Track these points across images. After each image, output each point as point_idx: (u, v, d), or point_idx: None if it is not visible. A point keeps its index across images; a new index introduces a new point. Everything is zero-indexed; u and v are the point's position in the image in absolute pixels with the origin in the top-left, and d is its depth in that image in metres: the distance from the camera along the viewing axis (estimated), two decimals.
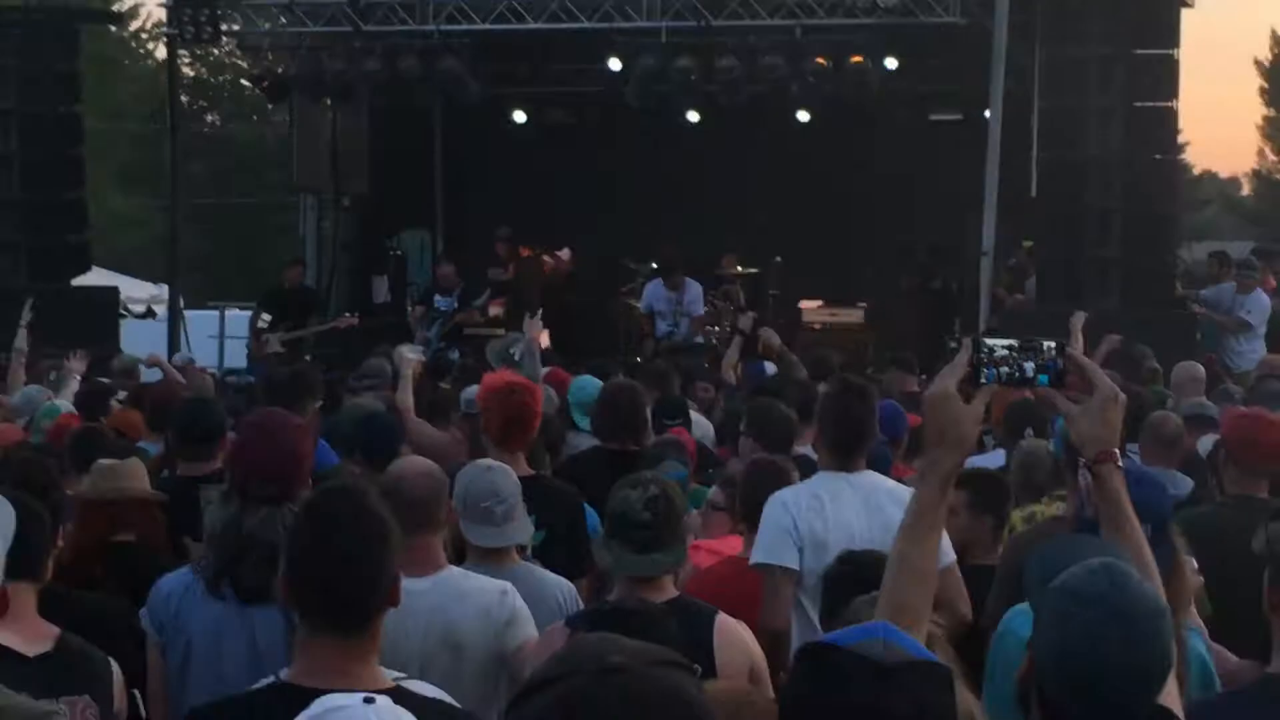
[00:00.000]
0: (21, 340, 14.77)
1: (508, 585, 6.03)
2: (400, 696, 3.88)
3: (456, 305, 23.78)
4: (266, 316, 22.53)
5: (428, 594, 5.95)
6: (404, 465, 6.50)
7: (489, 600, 6.02)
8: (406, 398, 11.87)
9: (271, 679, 4.41)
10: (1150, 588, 3.75)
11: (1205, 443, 10.22)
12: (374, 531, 4.40)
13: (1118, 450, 4.26)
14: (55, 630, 5.35)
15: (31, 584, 5.36)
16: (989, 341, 4.22)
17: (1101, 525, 4.33)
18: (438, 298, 24.03)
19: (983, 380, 4.18)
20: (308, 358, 20.47)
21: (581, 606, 6.73)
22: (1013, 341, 4.22)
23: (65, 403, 11.96)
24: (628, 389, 10.00)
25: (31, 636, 5.30)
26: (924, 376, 14.89)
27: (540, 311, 14.66)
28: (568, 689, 2.58)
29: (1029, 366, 4.20)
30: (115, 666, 5.44)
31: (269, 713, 4.23)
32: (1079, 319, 15.41)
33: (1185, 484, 8.91)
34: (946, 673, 3.07)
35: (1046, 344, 4.22)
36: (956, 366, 4.17)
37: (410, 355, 13.58)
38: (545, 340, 22.84)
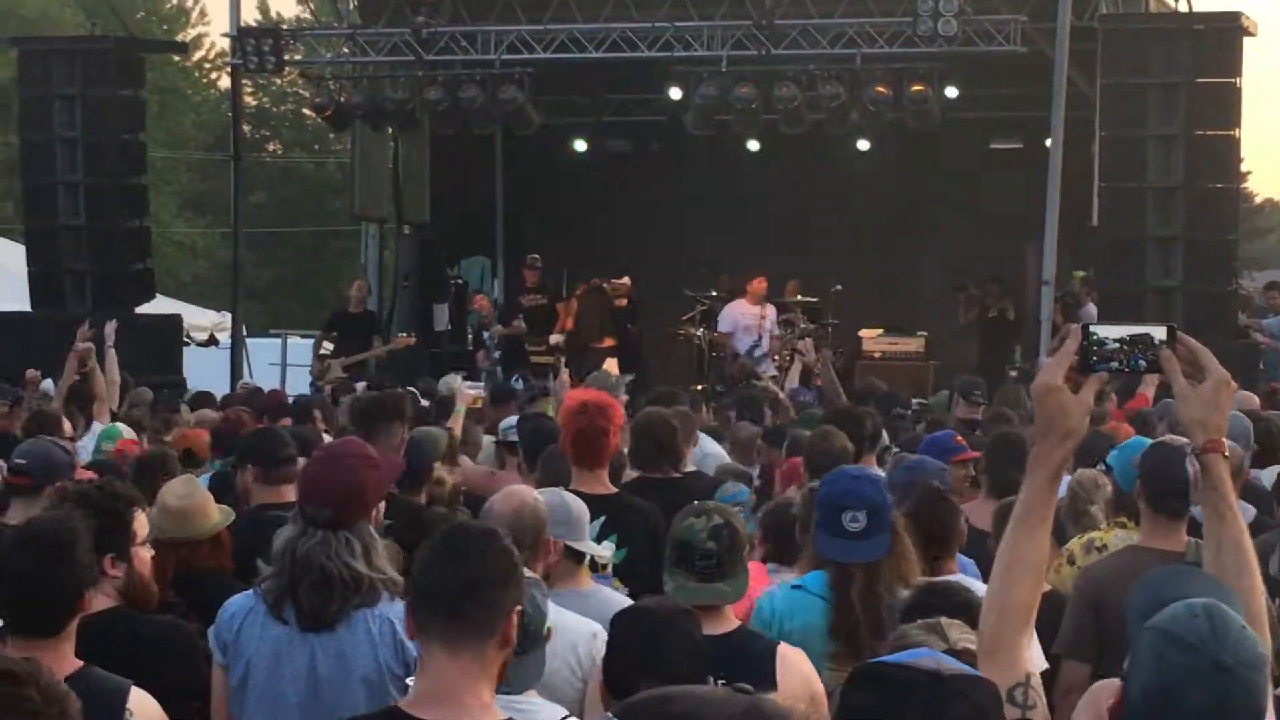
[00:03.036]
0: (112, 365, 14.89)
1: (598, 629, 6.02)
2: None
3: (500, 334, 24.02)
4: (328, 345, 22.66)
5: None
6: (495, 500, 6.54)
7: (578, 638, 6.05)
8: (458, 428, 11.93)
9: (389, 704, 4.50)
10: (1252, 636, 3.65)
11: (1269, 474, 10.17)
12: (497, 561, 4.46)
13: (1224, 438, 4.21)
14: (75, 665, 5.31)
15: (38, 639, 5.31)
16: (1098, 331, 4.15)
17: (1203, 514, 4.29)
18: (485, 334, 24.28)
19: (1094, 369, 4.13)
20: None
21: None
22: (1124, 334, 4.15)
23: (124, 427, 12.07)
24: (659, 418, 10.02)
25: None
26: (986, 404, 14.85)
27: (565, 361, 14.92)
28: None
29: (1140, 362, 4.16)
30: (139, 697, 5.37)
31: None
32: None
33: (1247, 512, 8.87)
34: (996, 690, 3.09)
35: (1157, 335, 4.15)
36: (1064, 355, 4.11)
37: (470, 392, 13.67)
38: (614, 369, 22.96)
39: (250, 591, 6.08)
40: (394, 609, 5.90)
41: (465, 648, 4.30)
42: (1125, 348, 4.13)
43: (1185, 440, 8.40)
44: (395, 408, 9.81)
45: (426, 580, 4.40)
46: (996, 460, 9.34)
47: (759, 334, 22.93)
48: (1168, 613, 3.64)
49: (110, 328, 15.44)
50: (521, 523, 6.30)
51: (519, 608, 4.45)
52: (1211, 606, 3.64)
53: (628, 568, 7.68)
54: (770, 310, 23.19)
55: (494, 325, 24.33)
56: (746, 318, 23.10)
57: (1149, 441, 8.78)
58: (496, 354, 23.72)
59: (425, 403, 14.46)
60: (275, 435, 9.07)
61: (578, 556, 6.72)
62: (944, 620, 4.92)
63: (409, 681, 5.72)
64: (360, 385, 16.00)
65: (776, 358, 22.89)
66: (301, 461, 8.28)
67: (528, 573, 5.30)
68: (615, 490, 8.43)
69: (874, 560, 6.55)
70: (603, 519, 7.76)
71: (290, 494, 8.14)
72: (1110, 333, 4.16)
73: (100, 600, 5.90)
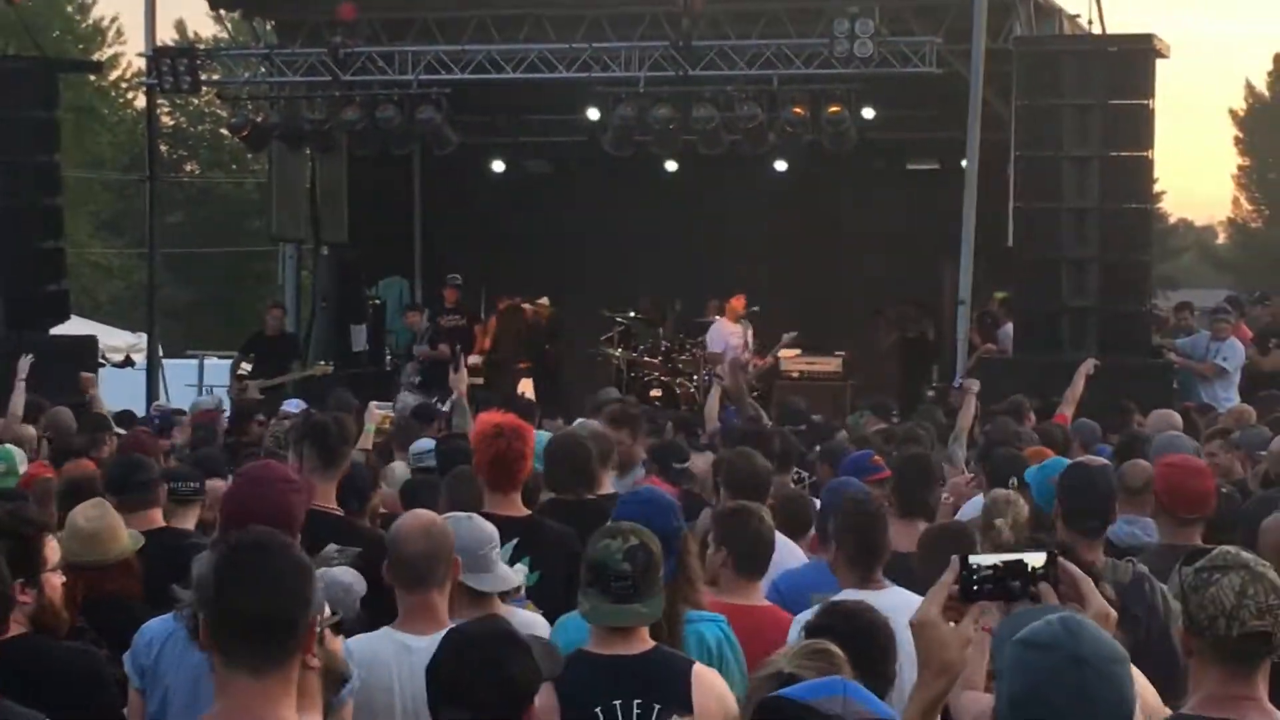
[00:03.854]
0: (18, 397, 14.89)
1: None
2: None
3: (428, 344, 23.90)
4: (247, 366, 22.55)
5: (426, 651, 5.98)
6: (402, 521, 6.51)
7: None
8: (368, 445, 11.91)
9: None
10: (1108, 635, 3.70)
11: None
12: (298, 577, 4.39)
13: None
14: None
15: None
16: (975, 561, 4.09)
17: None
18: (415, 347, 24.17)
19: (973, 598, 4.06)
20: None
21: None
22: (1000, 561, 4.08)
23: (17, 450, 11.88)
24: (575, 440, 10.02)
25: None
26: (897, 420, 14.93)
27: (464, 363, 14.92)
28: None
29: (1015, 585, 4.07)
30: None
31: None
32: (1088, 366, 15.50)
33: (1154, 530, 8.93)
34: None
35: (1033, 563, 4.09)
36: (941, 587, 4.07)
37: (378, 411, 13.64)
38: (530, 389, 22.93)
39: (169, 616, 6.04)
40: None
41: (272, 669, 4.23)
42: (999, 573, 4.06)
43: (1104, 460, 8.47)
44: (351, 432, 9.80)
45: (225, 601, 4.27)
46: (905, 481, 9.36)
47: (741, 349, 22.97)
48: (1026, 627, 3.69)
49: (24, 362, 15.41)
50: (434, 544, 6.28)
51: (319, 616, 4.39)
52: (1066, 615, 3.71)
53: (542, 590, 7.66)
54: (748, 327, 23.24)
55: (419, 347, 24.17)
56: (734, 335, 23.16)
57: (1067, 461, 8.85)
58: (416, 379, 23.63)
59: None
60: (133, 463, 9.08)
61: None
62: (800, 645, 4.88)
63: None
64: (291, 405, 15.86)
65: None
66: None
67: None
68: (529, 513, 8.41)
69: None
70: (515, 541, 7.75)
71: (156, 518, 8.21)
72: (987, 560, 4.10)
73: (10, 627, 5.85)
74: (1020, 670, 3.61)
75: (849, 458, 11.07)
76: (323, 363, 23.52)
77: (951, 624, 4.05)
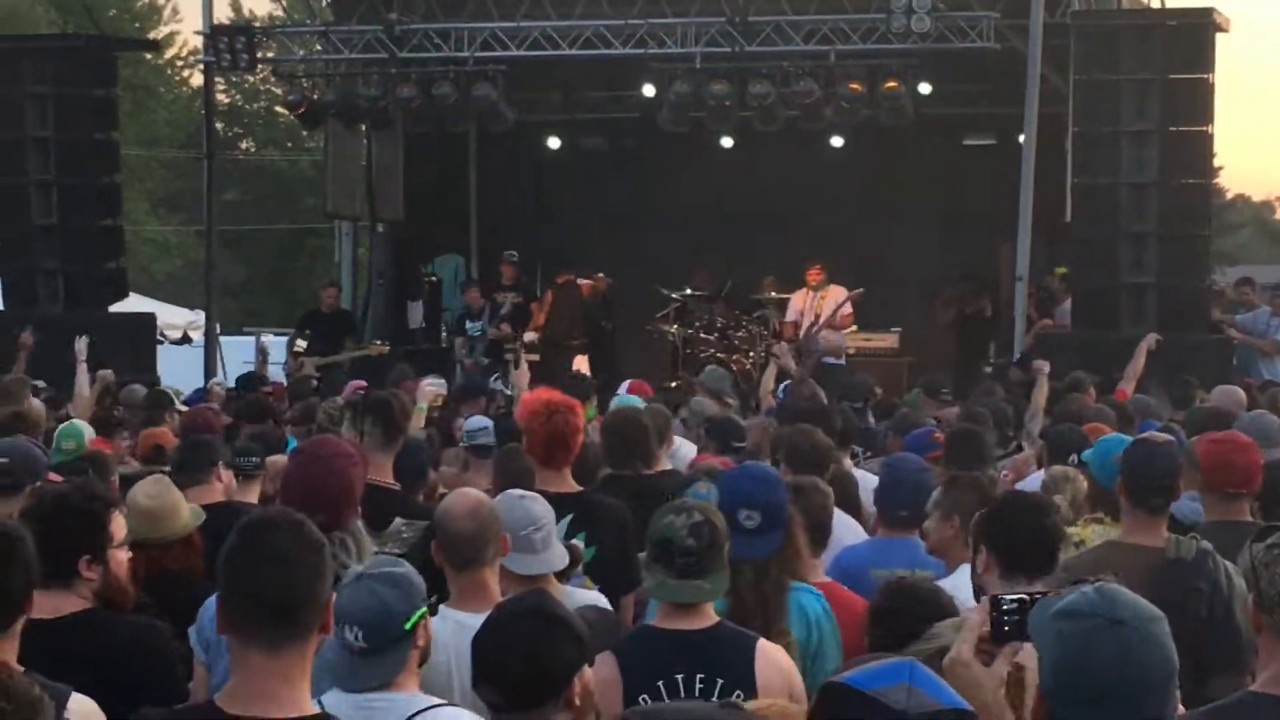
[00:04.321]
0: (82, 378, 15.00)
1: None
2: None
3: (484, 329, 23.84)
4: (302, 343, 22.62)
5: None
6: (449, 501, 6.52)
7: None
8: (420, 423, 11.92)
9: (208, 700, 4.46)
10: (1143, 600, 3.71)
11: None
12: (311, 556, 4.40)
13: None
14: (16, 671, 5.24)
15: None
16: (1004, 599, 4.07)
17: None
18: (469, 323, 24.12)
19: (1005, 638, 4.04)
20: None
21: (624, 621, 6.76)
22: (1023, 595, 4.06)
23: (86, 425, 11.98)
24: (631, 416, 10.02)
25: None
26: (952, 400, 14.86)
27: (520, 345, 14.97)
28: None
29: None
30: (79, 702, 5.20)
31: None
32: (1150, 341, 15.42)
33: None
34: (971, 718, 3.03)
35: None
36: (972, 629, 4.07)
37: (430, 387, 13.64)
38: (585, 366, 22.94)
39: None
40: None
41: (287, 649, 4.28)
42: (1025, 608, 4.02)
43: (1168, 436, 8.41)
44: (407, 409, 9.82)
45: (242, 581, 4.34)
46: (953, 456, 9.36)
47: (815, 315, 22.89)
48: (1061, 600, 3.71)
49: (81, 344, 15.49)
50: (482, 522, 6.28)
51: (333, 595, 4.44)
52: (1100, 584, 3.70)
53: (596, 566, 7.67)
54: (830, 292, 23.08)
55: (482, 326, 24.02)
56: (805, 306, 23.17)
57: (1128, 438, 8.79)
58: (466, 356, 23.62)
59: None
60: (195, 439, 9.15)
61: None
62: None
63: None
64: (351, 385, 15.87)
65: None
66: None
67: (397, 568, 5.28)
68: (580, 489, 8.41)
69: (765, 556, 6.63)
70: (570, 517, 7.77)
71: (218, 493, 8.24)
72: (1013, 596, 4.08)
73: (75, 602, 5.87)
74: (1059, 640, 3.62)
75: (910, 435, 11.08)
76: (378, 342, 23.54)
77: (984, 665, 4.03)
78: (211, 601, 6.07)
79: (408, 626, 5.10)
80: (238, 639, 4.35)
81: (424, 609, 5.18)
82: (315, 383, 18.90)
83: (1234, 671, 6.32)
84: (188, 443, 9.49)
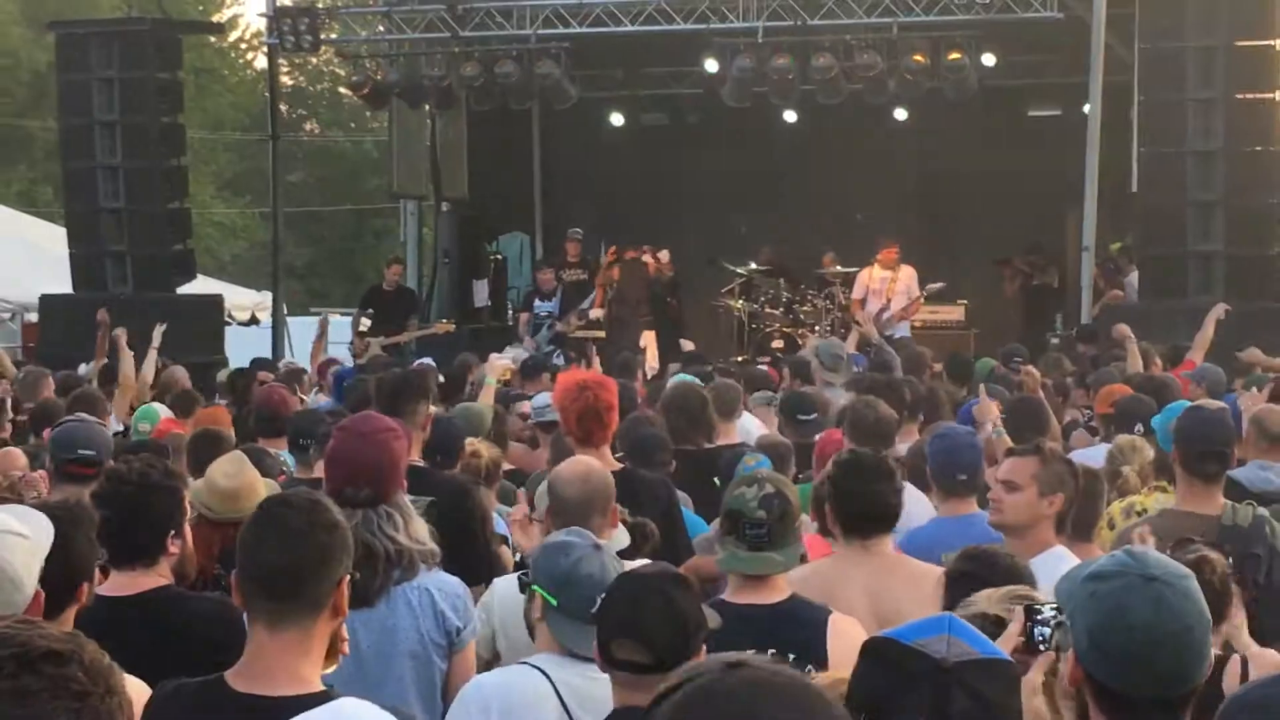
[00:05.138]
0: (150, 364, 15.17)
1: None
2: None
3: (557, 310, 23.85)
4: (366, 321, 22.73)
5: None
6: (562, 466, 6.62)
7: None
8: (489, 400, 11.96)
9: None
10: (1173, 559, 3.73)
11: None
12: (320, 536, 4.42)
13: None
14: None
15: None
16: (1039, 607, 4.05)
17: None
18: (538, 302, 24.15)
19: (1039, 646, 4.00)
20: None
21: None
22: (1059, 606, 3.97)
23: (163, 407, 12.12)
24: (691, 390, 10.04)
25: None
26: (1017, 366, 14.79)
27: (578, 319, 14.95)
28: (694, 687, 2.59)
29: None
30: (130, 684, 5.31)
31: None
32: (1219, 310, 15.35)
33: None
34: (1013, 671, 3.04)
35: None
36: (1008, 639, 4.03)
37: (499, 361, 13.67)
38: (652, 342, 22.96)
39: None
40: (430, 579, 5.98)
41: (288, 626, 4.32)
42: (1063, 623, 3.92)
43: (1222, 404, 8.38)
44: (421, 387, 9.84)
45: (247, 558, 4.40)
46: (1015, 424, 9.38)
47: (887, 298, 22.86)
48: (1090, 565, 3.73)
49: (158, 331, 15.68)
50: (592, 489, 6.34)
51: (348, 576, 4.44)
52: (1128, 546, 3.70)
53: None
54: (902, 273, 23.13)
55: (563, 322, 23.94)
56: (875, 282, 23.16)
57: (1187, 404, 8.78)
58: (549, 346, 23.62)
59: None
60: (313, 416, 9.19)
61: None
62: (1000, 591, 4.87)
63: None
64: (417, 365, 15.91)
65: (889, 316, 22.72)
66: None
67: (596, 540, 5.32)
68: (620, 465, 8.42)
69: None
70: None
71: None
72: (1051, 607, 4.04)
73: (154, 579, 5.94)
74: (1094, 600, 3.63)
75: (963, 408, 11.08)
76: (444, 320, 23.62)
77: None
78: None
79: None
80: (249, 615, 4.42)
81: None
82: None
83: None
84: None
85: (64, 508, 5.48)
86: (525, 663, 5.31)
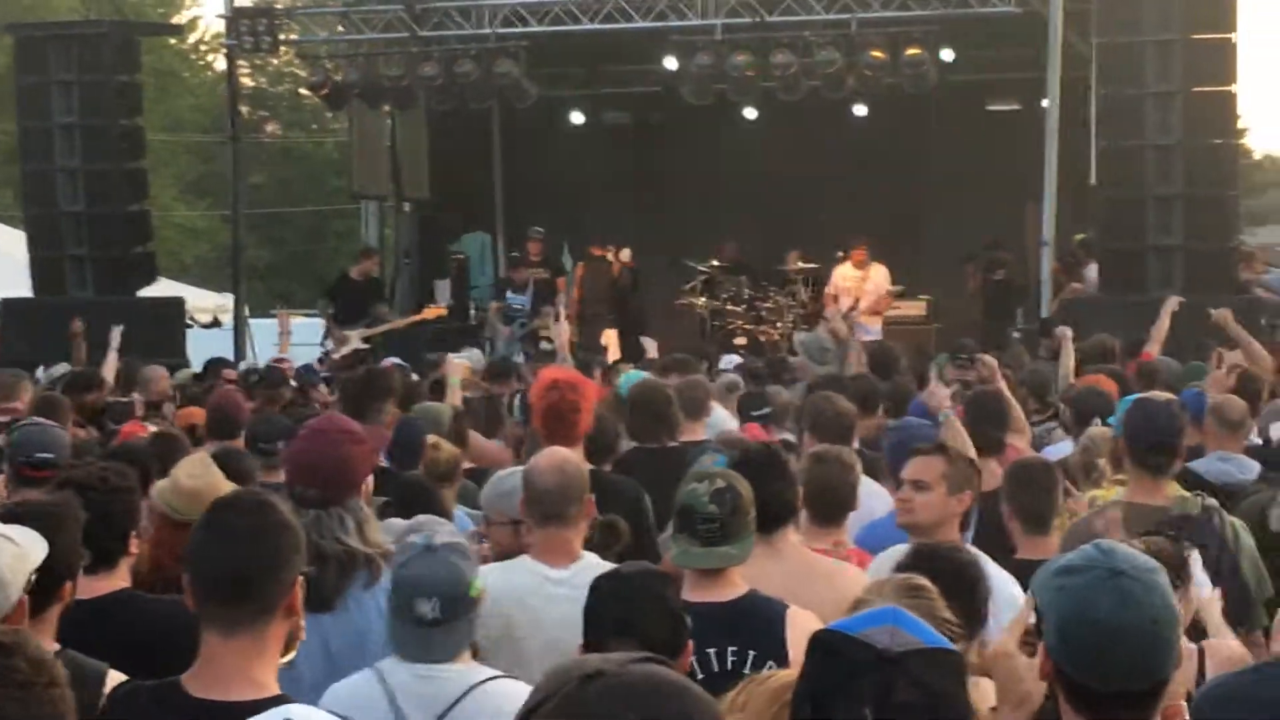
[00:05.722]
0: (110, 365, 15.16)
1: None
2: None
3: (530, 304, 23.77)
4: (330, 311, 22.64)
5: (568, 581, 6.13)
6: (537, 457, 6.61)
7: None
8: (456, 401, 11.95)
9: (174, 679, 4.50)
10: (1141, 553, 3.76)
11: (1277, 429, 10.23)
12: (269, 538, 4.41)
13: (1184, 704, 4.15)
14: (53, 648, 5.28)
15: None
16: None
17: None
18: (510, 294, 24.12)
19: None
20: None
21: None
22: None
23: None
24: (656, 388, 10.03)
25: None
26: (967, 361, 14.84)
27: (562, 314, 14.91)
28: (554, 705, 2.61)
29: None
30: (117, 679, 5.31)
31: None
32: (1173, 303, 15.40)
33: (1252, 467, 8.89)
34: (957, 660, 3.05)
35: None
36: (1018, 622, 4.11)
37: (458, 361, 13.64)
38: (613, 341, 22.93)
39: None
40: None
41: (240, 630, 4.31)
42: None
43: (1170, 395, 8.40)
44: (385, 386, 9.82)
45: (196, 563, 4.39)
46: (973, 417, 9.37)
47: (856, 296, 23.02)
48: (1060, 560, 3.77)
49: (115, 333, 15.65)
50: (568, 479, 6.34)
51: (301, 576, 4.43)
52: (1098, 540, 3.74)
53: None
54: (874, 271, 23.46)
55: (537, 318, 23.86)
56: (846, 280, 23.52)
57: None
58: (521, 331, 23.52)
59: (414, 376, 14.43)
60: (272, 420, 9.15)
61: None
62: (894, 579, 4.93)
63: None
64: (387, 364, 15.90)
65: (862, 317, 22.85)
66: None
67: (454, 538, 5.32)
68: (591, 467, 8.41)
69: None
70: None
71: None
72: None
73: (115, 582, 5.94)
74: (1061, 595, 3.66)
75: (915, 400, 11.09)
76: (435, 304, 23.64)
77: (1028, 656, 4.06)
78: None
79: (472, 594, 5.16)
80: (202, 619, 4.40)
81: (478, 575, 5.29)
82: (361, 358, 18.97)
83: (1243, 626, 6.34)
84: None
85: (51, 506, 5.49)
86: (372, 667, 5.34)
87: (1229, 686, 3.99)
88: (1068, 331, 14.68)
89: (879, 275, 23.27)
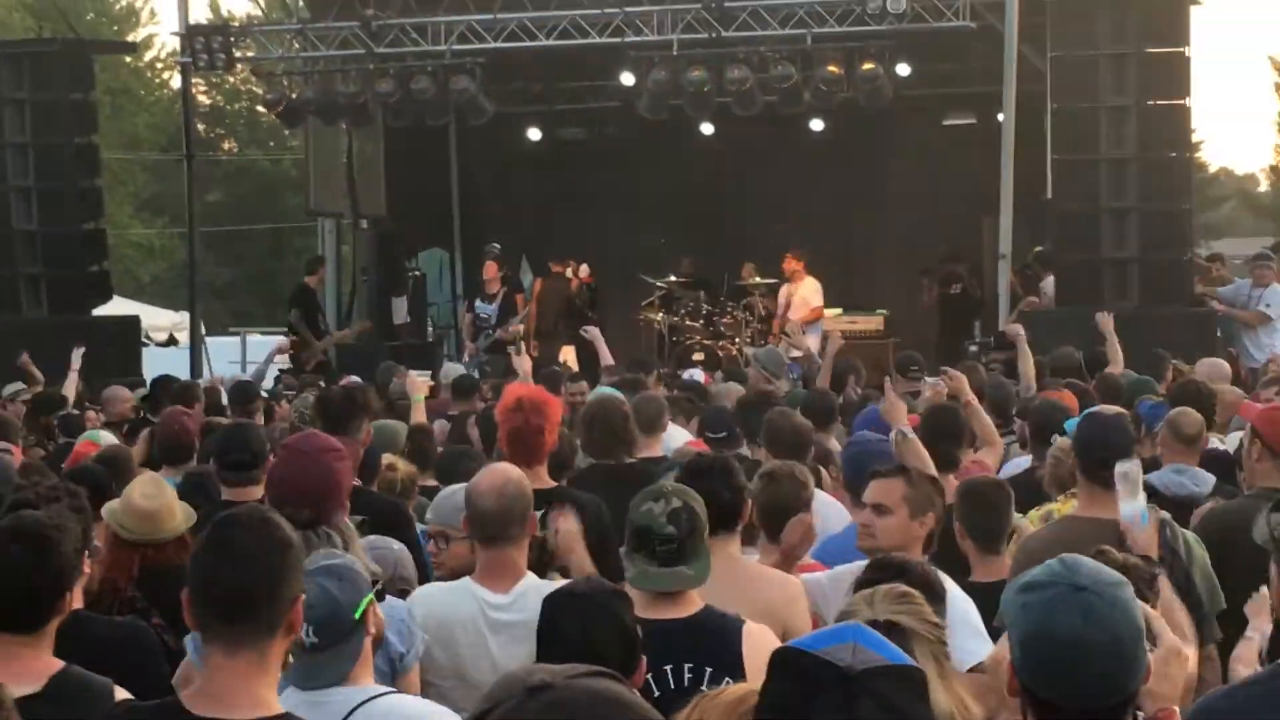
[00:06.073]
0: (71, 385, 15.16)
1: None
2: None
3: (496, 315, 23.75)
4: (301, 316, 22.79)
5: (508, 606, 6.12)
6: (478, 476, 6.54)
7: None
8: (420, 417, 11.89)
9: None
10: (1105, 567, 3.75)
11: (1232, 440, 10.23)
12: (272, 557, 4.35)
13: (1176, 709, 4.16)
14: (57, 665, 5.29)
15: (20, 635, 5.31)
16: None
17: None
18: (479, 303, 24.10)
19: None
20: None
21: None
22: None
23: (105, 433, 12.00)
24: (612, 405, 9.99)
25: (20, 678, 5.09)
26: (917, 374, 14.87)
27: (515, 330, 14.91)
28: (498, 717, 2.59)
29: None
30: (122, 695, 5.33)
31: None
32: (1106, 319, 15.42)
33: (1207, 480, 8.89)
34: (920, 676, 3.03)
35: None
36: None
37: (419, 379, 13.61)
38: (572, 357, 22.91)
39: None
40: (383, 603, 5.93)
41: (243, 648, 4.26)
42: None
43: (1119, 409, 8.40)
44: (363, 403, 9.78)
45: (201, 579, 4.33)
46: (928, 432, 9.32)
47: (786, 306, 23.74)
48: (1025, 576, 3.76)
49: (77, 353, 15.67)
50: (509, 499, 6.30)
51: (302, 595, 4.40)
52: (1063, 555, 3.74)
53: None
54: (804, 284, 23.83)
55: (502, 329, 23.89)
56: (785, 293, 24.00)
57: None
58: (485, 348, 23.53)
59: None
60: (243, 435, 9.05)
61: None
62: (880, 589, 4.92)
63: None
64: (345, 380, 15.88)
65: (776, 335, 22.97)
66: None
67: (337, 559, 5.27)
68: (554, 484, 8.37)
69: None
70: (542, 512, 7.75)
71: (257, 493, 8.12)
72: None
73: (74, 601, 5.91)
74: (1025, 611, 3.65)
75: (863, 414, 11.00)
76: (363, 320, 23.75)
77: None
78: None
79: (357, 616, 5.09)
80: (205, 638, 4.36)
81: (370, 595, 5.17)
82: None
83: (1197, 642, 6.32)
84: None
85: (51, 518, 5.45)
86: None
87: (1210, 706, 3.99)
88: (1020, 329, 14.72)
89: (807, 288, 23.40)
